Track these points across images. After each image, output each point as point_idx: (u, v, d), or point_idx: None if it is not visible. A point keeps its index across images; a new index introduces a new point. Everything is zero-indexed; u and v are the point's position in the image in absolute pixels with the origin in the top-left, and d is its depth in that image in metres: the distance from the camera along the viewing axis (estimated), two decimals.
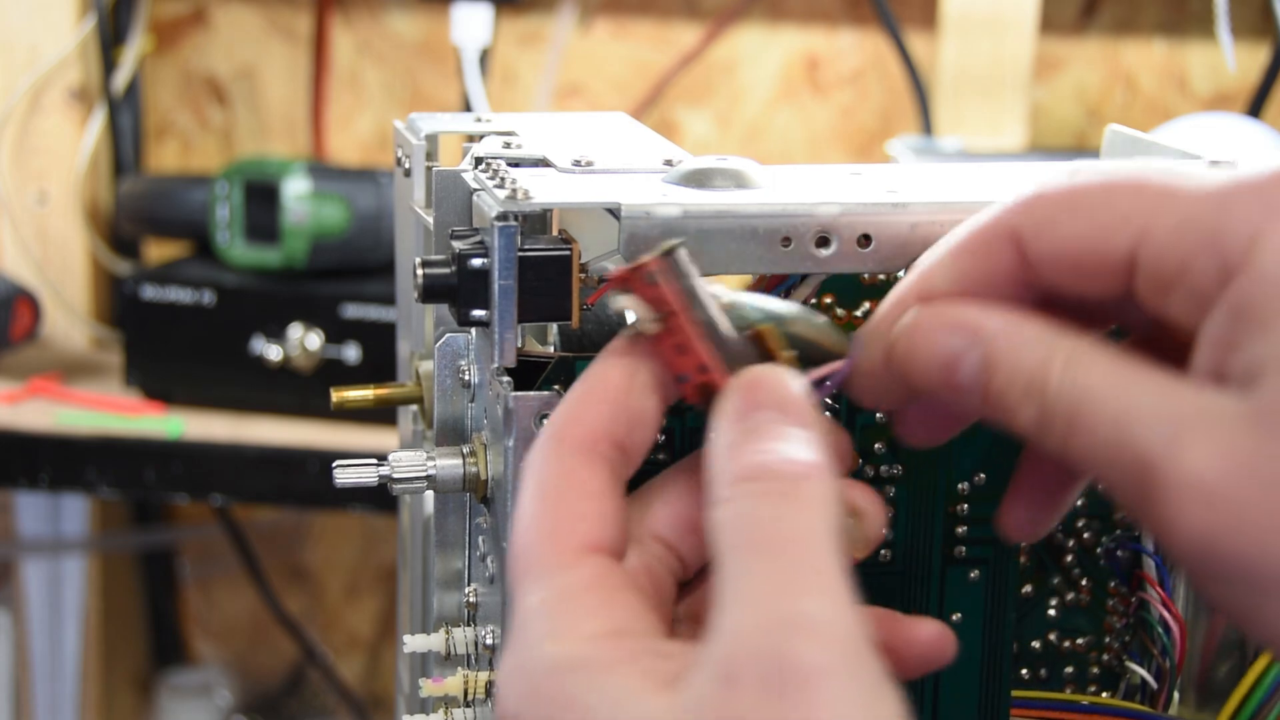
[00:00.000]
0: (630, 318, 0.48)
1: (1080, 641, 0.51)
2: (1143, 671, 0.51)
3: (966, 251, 0.40)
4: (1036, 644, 0.51)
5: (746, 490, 0.37)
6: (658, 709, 0.35)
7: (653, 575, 0.41)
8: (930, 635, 0.42)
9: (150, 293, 1.11)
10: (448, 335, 0.50)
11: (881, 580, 0.47)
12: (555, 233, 0.47)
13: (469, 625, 0.50)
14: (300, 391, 1.10)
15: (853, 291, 0.48)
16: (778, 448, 0.38)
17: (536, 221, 0.47)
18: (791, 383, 0.39)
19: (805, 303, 0.45)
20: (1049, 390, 0.37)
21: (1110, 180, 0.38)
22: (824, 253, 0.44)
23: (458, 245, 0.44)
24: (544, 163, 0.49)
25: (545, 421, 0.42)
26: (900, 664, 0.42)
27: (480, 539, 0.49)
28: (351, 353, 1.09)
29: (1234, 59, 1.17)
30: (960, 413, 0.43)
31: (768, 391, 0.39)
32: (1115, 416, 0.36)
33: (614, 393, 0.41)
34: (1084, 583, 0.51)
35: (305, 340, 1.09)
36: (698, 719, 0.34)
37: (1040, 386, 0.37)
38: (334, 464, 0.49)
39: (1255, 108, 1.19)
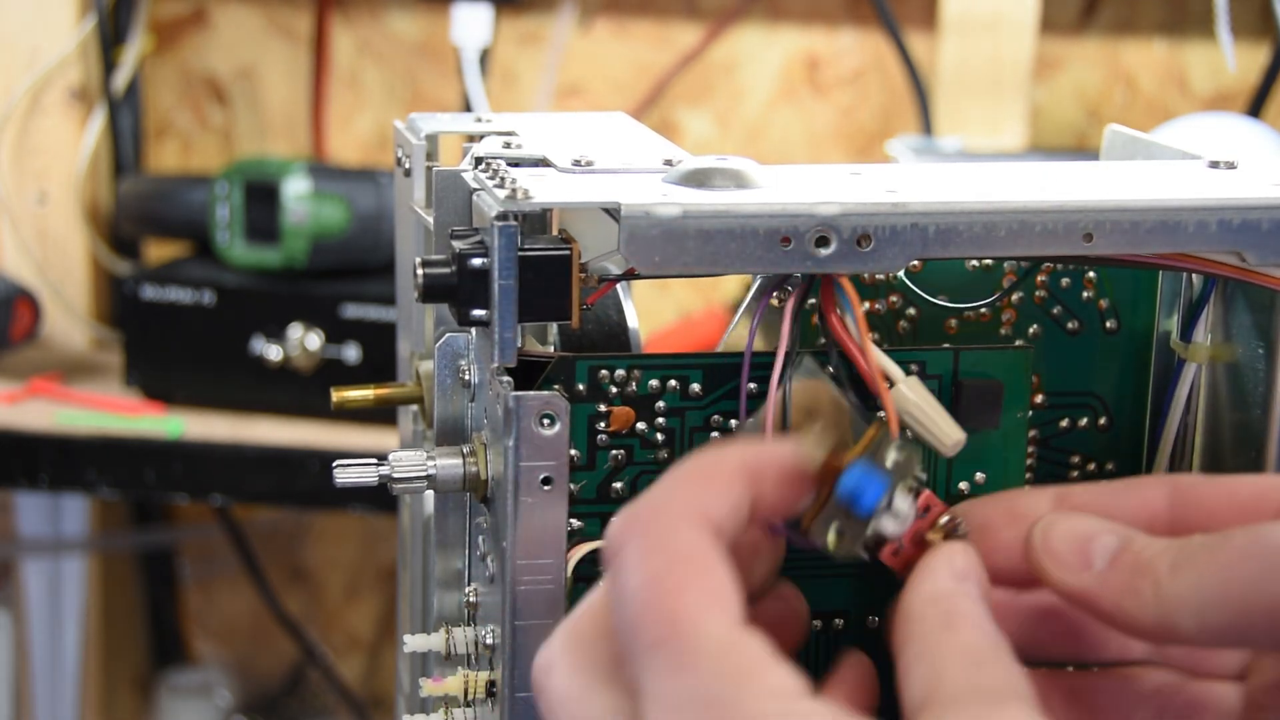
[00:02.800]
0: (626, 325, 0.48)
1: None
2: None
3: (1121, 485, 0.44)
4: None
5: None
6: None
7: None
8: None
9: (150, 293, 1.11)
10: (448, 335, 0.50)
11: (885, 579, 0.47)
12: (555, 232, 0.47)
13: (469, 625, 0.50)
14: (300, 391, 1.10)
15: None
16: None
17: (536, 221, 0.47)
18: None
19: None
20: (1192, 540, 0.40)
21: None
22: (824, 252, 0.44)
23: (458, 245, 0.45)
24: (544, 163, 0.49)
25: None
26: None
27: (480, 539, 0.49)
28: (351, 353, 1.09)
29: (1234, 59, 1.17)
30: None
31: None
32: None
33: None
34: None
35: (305, 340, 1.09)
36: None
37: (1181, 540, 0.40)
38: (334, 464, 0.49)
39: (1255, 108, 1.19)
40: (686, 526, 0.38)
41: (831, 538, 0.41)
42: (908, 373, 0.47)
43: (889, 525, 0.42)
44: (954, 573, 0.40)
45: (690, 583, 0.37)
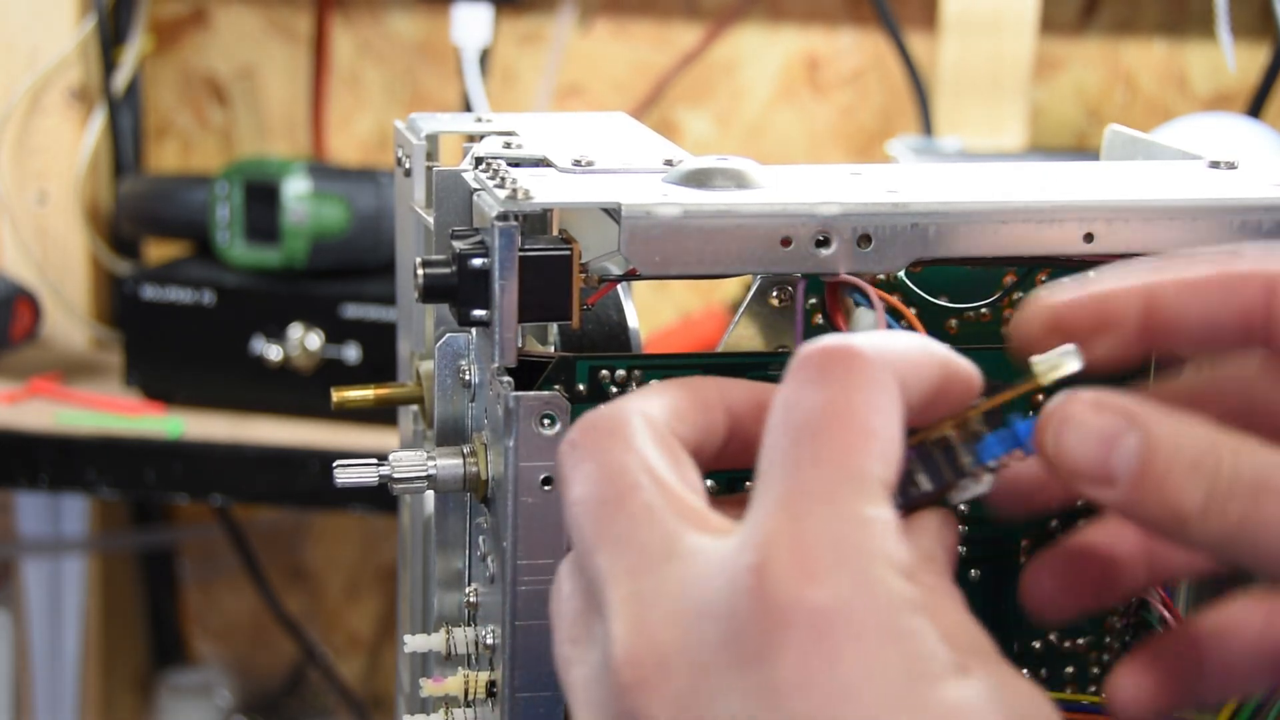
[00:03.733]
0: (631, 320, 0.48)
1: (1080, 641, 0.51)
2: None
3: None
4: (1037, 644, 0.51)
5: (803, 374, 0.37)
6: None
7: None
8: None
9: (150, 293, 1.11)
10: (448, 335, 0.50)
11: None
12: (555, 233, 0.47)
13: (469, 625, 0.50)
14: (300, 391, 1.10)
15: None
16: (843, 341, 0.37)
17: (537, 221, 0.47)
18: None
19: None
20: (1223, 467, 0.37)
21: None
22: (824, 253, 0.44)
23: (458, 245, 0.45)
24: (544, 163, 0.49)
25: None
26: None
27: (481, 539, 0.49)
28: (351, 353, 1.09)
29: (1234, 59, 1.17)
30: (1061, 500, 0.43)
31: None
32: None
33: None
34: None
35: (305, 340, 1.09)
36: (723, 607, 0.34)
37: (1213, 464, 0.37)
38: (334, 464, 0.49)
39: (1255, 108, 1.19)
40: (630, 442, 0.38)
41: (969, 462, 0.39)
42: None
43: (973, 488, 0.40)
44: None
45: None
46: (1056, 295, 0.41)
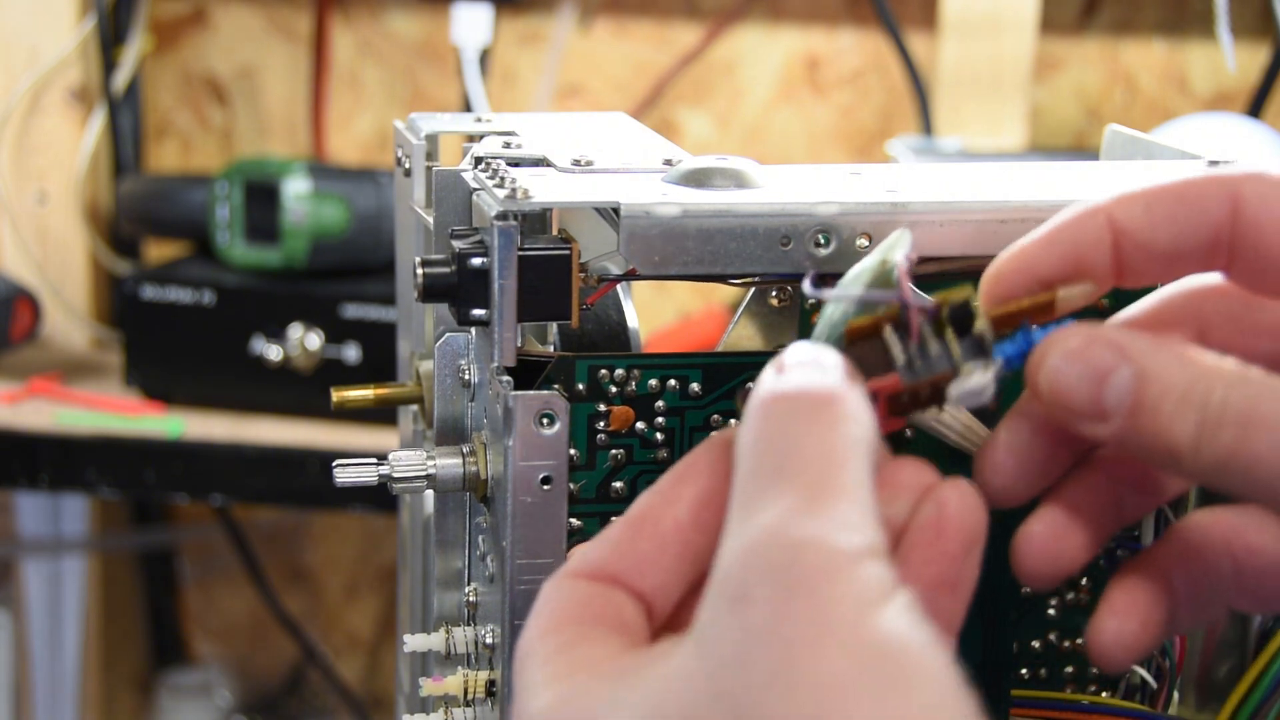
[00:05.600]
0: (631, 317, 0.48)
1: (1080, 641, 0.51)
2: (1143, 671, 0.51)
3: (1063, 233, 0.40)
4: (1036, 644, 0.51)
5: (769, 411, 0.36)
6: (674, 666, 0.34)
7: None
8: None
9: (150, 293, 1.11)
10: (448, 335, 0.50)
11: None
12: (555, 232, 0.47)
13: (469, 624, 0.50)
14: (300, 391, 1.10)
15: None
16: (805, 376, 0.37)
17: (536, 221, 0.47)
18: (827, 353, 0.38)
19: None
20: (1213, 398, 0.37)
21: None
22: (823, 252, 0.44)
23: (458, 245, 0.45)
24: (544, 162, 0.49)
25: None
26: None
27: (480, 538, 0.49)
28: (351, 353, 1.09)
29: (1234, 59, 1.17)
30: (1069, 447, 0.41)
31: (801, 353, 0.38)
32: None
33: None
34: (1083, 582, 0.51)
35: (305, 340, 1.09)
36: (715, 653, 0.33)
37: (1203, 395, 0.37)
38: (334, 464, 0.49)
39: (1255, 108, 1.19)
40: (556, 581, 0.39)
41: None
42: None
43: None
44: None
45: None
46: (1025, 242, 0.40)
